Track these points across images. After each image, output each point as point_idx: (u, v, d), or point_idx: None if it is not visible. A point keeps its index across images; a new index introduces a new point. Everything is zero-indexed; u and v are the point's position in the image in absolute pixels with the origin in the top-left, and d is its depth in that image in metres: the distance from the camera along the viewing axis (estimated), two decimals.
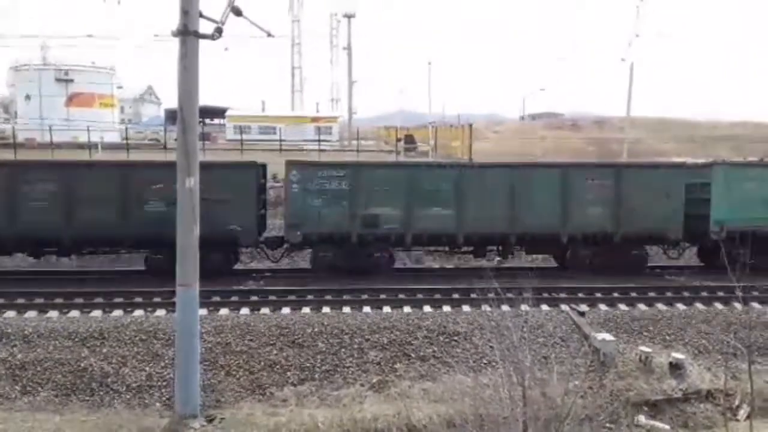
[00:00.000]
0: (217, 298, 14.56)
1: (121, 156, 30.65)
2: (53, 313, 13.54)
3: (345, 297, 14.88)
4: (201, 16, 9.72)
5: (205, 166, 18.12)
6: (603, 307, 14.50)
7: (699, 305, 14.53)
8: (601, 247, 17.64)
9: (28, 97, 49.69)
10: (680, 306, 14.59)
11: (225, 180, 16.20)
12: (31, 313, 13.52)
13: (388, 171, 17.89)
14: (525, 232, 17.43)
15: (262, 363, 11.80)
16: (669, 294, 15.50)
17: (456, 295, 15.07)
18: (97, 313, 13.67)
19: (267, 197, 19.20)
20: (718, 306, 14.40)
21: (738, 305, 13.68)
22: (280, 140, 40.40)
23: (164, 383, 11.25)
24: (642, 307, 14.53)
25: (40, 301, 14.37)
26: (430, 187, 17.21)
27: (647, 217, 17.40)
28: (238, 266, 18.30)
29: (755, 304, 14.35)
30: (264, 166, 18.22)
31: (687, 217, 17.73)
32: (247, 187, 16.83)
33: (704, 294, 15.38)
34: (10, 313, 13.43)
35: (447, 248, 18.43)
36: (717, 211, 17.61)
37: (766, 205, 17.72)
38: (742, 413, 11.04)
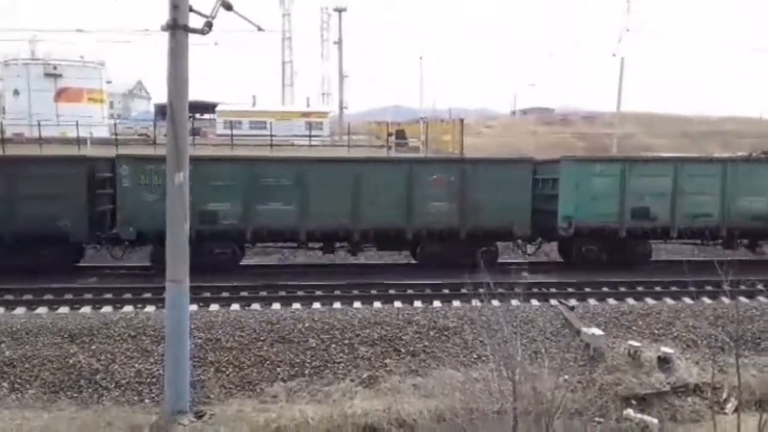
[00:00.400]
0: (207, 294, 14.53)
1: (110, 152, 30.37)
2: (42, 310, 13.47)
3: (336, 293, 14.93)
4: (191, 10, 9.64)
5: (31, 161, 17.84)
6: (592, 301, 14.58)
7: (687, 299, 14.62)
8: (448, 243, 17.40)
9: (16, 92, 49.31)
10: (669, 300, 14.69)
11: (54, 176, 16.10)
12: (20, 310, 13.45)
13: (226, 166, 17.42)
14: (369, 228, 17.21)
15: (252, 359, 11.79)
16: (658, 288, 15.59)
17: (446, 290, 15.12)
18: (86, 309, 13.61)
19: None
20: (706, 300, 14.49)
21: (725, 299, 13.80)
22: (271, 135, 40.25)
23: (153, 380, 11.21)
24: (631, 301, 14.62)
25: (29, 297, 14.29)
26: (270, 182, 16.85)
27: (493, 213, 17.18)
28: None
29: (743, 298, 14.45)
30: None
31: (539, 213, 17.67)
32: (76, 183, 16.39)
33: (692, 288, 15.47)
34: None
35: (295, 244, 18.06)
36: (564, 207, 17.41)
37: (614, 200, 17.47)
38: (730, 407, 11.12)
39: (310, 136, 43.53)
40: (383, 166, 17.93)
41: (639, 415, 10.93)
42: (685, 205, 17.67)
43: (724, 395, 11.37)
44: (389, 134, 43.33)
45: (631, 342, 12.35)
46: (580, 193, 17.38)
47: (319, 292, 14.98)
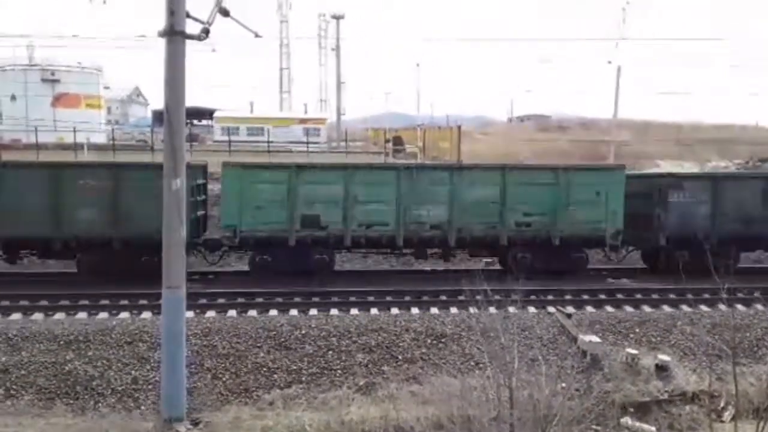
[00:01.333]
0: (204, 300, 14.49)
1: (107, 157, 30.41)
2: (38, 316, 13.40)
3: (331, 299, 14.89)
4: (188, 16, 9.67)
5: None
6: (589, 308, 14.57)
7: (684, 307, 14.62)
8: (105, 253, 16.40)
9: (13, 98, 49.22)
10: (666, 308, 14.68)
11: None
12: (16, 316, 13.39)
13: None
14: (10, 237, 16.29)
15: (249, 365, 11.75)
16: (655, 296, 15.59)
17: (444, 297, 15.10)
18: (82, 315, 13.56)
19: None
20: (704, 308, 14.49)
21: (723, 307, 13.79)
22: (268, 141, 40.23)
23: (150, 386, 11.17)
24: (628, 308, 14.61)
25: (24, 303, 14.24)
26: None
27: (145, 220, 15.42)
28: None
29: (740, 306, 14.45)
30: None
31: (192, 224, 16.42)
32: None
33: (689, 296, 15.48)
34: None
35: None
36: (228, 216, 16.65)
37: (282, 208, 16.65)
38: (727, 415, 11.11)
39: (307, 142, 43.49)
40: (24, 170, 16.61)
41: (637, 423, 10.91)
42: (358, 213, 16.93)
43: (722, 403, 11.36)
44: (386, 141, 43.38)
45: (628, 349, 12.33)
46: (244, 201, 16.57)
47: (316, 299, 14.94)
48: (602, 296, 15.50)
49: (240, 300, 14.78)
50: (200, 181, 17.77)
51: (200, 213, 17.79)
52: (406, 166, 18.08)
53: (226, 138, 42.88)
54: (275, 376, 11.61)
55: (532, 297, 14.93)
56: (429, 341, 12.57)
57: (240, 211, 16.58)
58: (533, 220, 17.61)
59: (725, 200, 18.16)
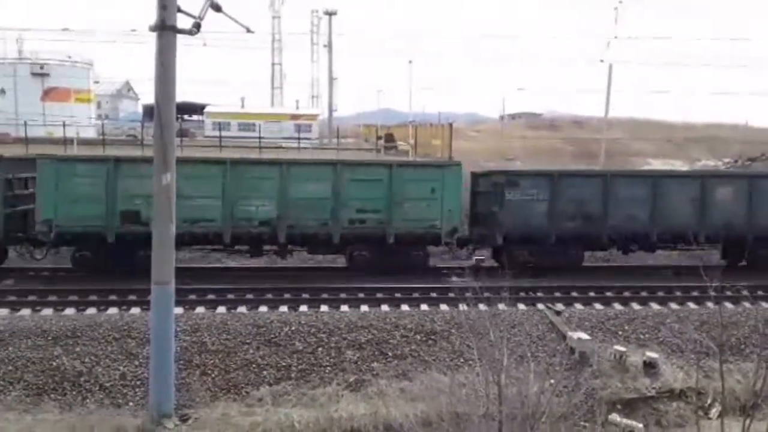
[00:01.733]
0: (193, 297, 14.44)
1: (97, 152, 30.19)
2: (25, 311, 13.33)
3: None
4: (179, 10, 9.63)
5: None
6: (579, 306, 14.63)
7: (673, 305, 14.71)
8: None
9: (2, 91, 48.86)
10: (654, 305, 14.77)
11: None
12: (3, 311, 13.30)
13: None
14: None
15: (238, 362, 11.73)
16: (644, 294, 15.69)
17: (434, 294, 15.12)
18: (70, 311, 13.48)
19: None
20: (692, 305, 14.58)
21: (711, 305, 13.87)
22: (260, 137, 40.10)
23: (138, 382, 11.13)
24: (617, 306, 14.68)
25: (12, 298, 14.15)
26: None
27: None
28: None
29: (728, 304, 14.53)
30: None
31: (10, 218, 16.43)
32: None
33: (678, 294, 15.59)
34: None
35: None
36: (45, 210, 15.91)
37: (100, 203, 16.00)
38: (714, 412, 11.20)
39: (298, 138, 43.40)
40: None
41: (624, 420, 10.97)
42: (182, 208, 15.77)
43: (709, 400, 11.45)
44: (378, 137, 43.35)
45: (617, 347, 12.40)
46: (60, 195, 15.87)
47: (305, 295, 14.92)
48: (592, 294, 15.57)
49: (230, 296, 14.71)
50: (27, 175, 16.90)
51: (26, 207, 16.77)
52: (233, 160, 17.59)
53: (217, 133, 42.70)
54: (264, 372, 11.59)
55: (522, 294, 14.98)
56: (419, 338, 12.59)
57: (55, 206, 15.89)
58: (367, 217, 17.24)
59: (564, 198, 17.86)
